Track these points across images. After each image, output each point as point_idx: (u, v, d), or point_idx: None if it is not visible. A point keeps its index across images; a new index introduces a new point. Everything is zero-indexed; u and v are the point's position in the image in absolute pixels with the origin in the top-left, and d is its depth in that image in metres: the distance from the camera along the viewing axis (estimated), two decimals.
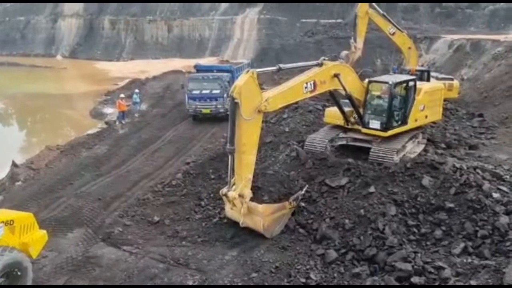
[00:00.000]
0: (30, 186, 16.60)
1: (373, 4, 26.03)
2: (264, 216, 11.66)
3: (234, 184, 11.85)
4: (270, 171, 14.36)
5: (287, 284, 10.01)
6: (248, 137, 11.30)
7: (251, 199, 11.74)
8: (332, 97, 14.55)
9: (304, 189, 12.82)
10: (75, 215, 13.83)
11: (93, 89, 41.50)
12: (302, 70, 12.93)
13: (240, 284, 10.08)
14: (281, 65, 12.13)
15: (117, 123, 26.24)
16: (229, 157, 11.56)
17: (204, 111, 24.61)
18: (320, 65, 12.81)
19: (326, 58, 13.26)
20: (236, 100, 10.83)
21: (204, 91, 24.52)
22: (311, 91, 12.58)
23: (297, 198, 12.45)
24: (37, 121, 34.80)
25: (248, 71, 11.18)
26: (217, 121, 23.76)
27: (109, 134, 23.93)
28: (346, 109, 14.80)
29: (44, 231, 10.28)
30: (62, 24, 72.42)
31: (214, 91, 24.34)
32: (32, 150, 22.91)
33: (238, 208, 11.63)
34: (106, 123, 27.40)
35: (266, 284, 10.01)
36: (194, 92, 24.69)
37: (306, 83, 12.37)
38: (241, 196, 11.45)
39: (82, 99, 38.65)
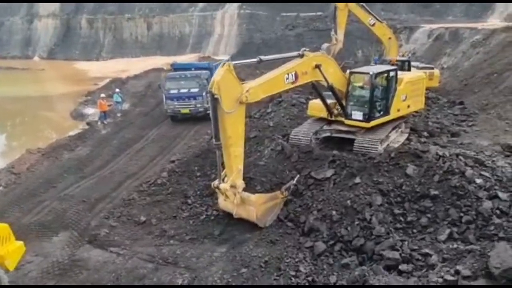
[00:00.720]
0: (12, 191, 16.27)
1: None
2: (257, 206, 11.73)
3: (225, 177, 11.87)
4: (261, 162, 14.38)
5: (277, 278, 10.02)
6: (233, 129, 11.24)
7: (244, 190, 11.78)
8: (315, 89, 14.58)
9: (296, 179, 12.90)
10: (60, 218, 13.61)
11: (73, 90, 40.86)
12: (284, 62, 12.88)
13: (230, 280, 10.06)
14: (262, 57, 12.06)
15: (99, 123, 25.88)
16: (217, 152, 11.52)
17: (183, 111, 23.90)
18: (301, 56, 12.77)
19: (307, 50, 13.23)
20: (215, 96, 10.69)
21: (182, 90, 23.83)
22: (293, 82, 12.54)
23: (289, 187, 12.55)
24: (16, 125, 34.08)
25: (224, 64, 11.03)
26: (200, 118, 23.54)
27: (91, 135, 23.61)
28: (329, 101, 14.85)
29: (21, 242, 9.80)
30: (38, 25, 71.07)
31: (193, 90, 23.63)
32: (12, 154, 22.41)
33: (231, 199, 11.65)
34: (88, 124, 27.00)
35: (256, 279, 10.01)
36: (172, 91, 23.96)
37: (287, 74, 12.34)
38: (233, 187, 11.47)
39: (62, 100, 38.00)
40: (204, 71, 24.37)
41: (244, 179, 11.93)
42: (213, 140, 11.46)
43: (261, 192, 12.71)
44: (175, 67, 26.74)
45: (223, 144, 11.27)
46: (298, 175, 13.11)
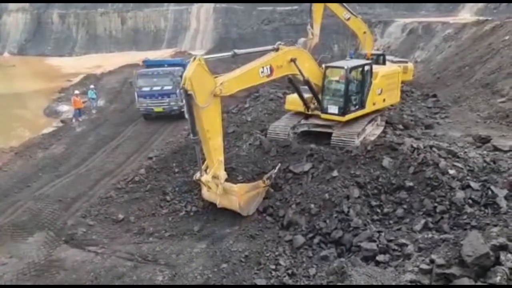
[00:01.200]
0: None
1: None
2: (239, 196, 11.86)
3: (206, 169, 11.94)
4: (243, 153, 14.43)
5: (257, 272, 10.09)
6: (210, 123, 11.25)
7: (226, 180, 11.87)
8: (291, 84, 14.66)
9: (277, 168, 13.03)
10: (35, 218, 13.31)
11: (45, 87, 39.81)
12: (260, 56, 12.89)
13: (210, 276, 10.07)
14: (236, 51, 12.07)
15: (73, 120, 25.36)
16: (196, 146, 11.54)
17: (156, 109, 22.93)
18: (276, 49, 12.83)
19: (282, 43, 13.28)
20: (189, 92, 10.63)
21: (154, 88, 22.76)
22: (268, 76, 12.58)
23: (270, 176, 12.71)
24: None
25: (194, 58, 10.94)
26: (176, 116, 23.28)
27: (66, 132, 23.11)
28: (306, 95, 14.96)
29: None
30: (8, 20, 68.79)
31: (166, 87, 22.64)
32: None
33: (214, 190, 11.76)
34: (62, 121, 26.40)
35: (237, 274, 10.06)
36: (144, 89, 22.86)
37: (262, 67, 12.38)
38: (215, 177, 11.57)
39: (34, 97, 36.99)
40: (177, 68, 23.27)
41: (225, 169, 12.05)
42: (191, 135, 11.44)
43: (243, 182, 12.81)
44: (147, 64, 25.37)
45: (201, 138, 11.29)
46: (279, 164, 13.27)
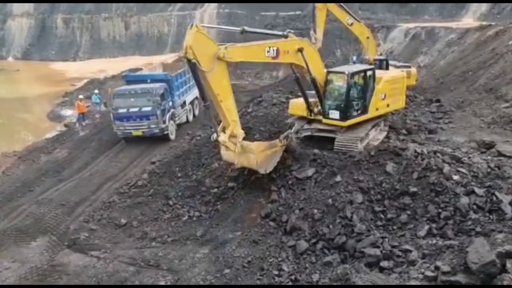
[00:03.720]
0: None
1: None
2: (257, 153, 12.12)
3: (223, 130, 12.15)
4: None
5: (260, 278, 10.03)
6: (219, 86, 11.38)
7: (244, 139, 12.06)
8: (298, 84, 14.66)
9: (294, 128, 13.08)
10: (38, 223, 13.33)
11: (49, 91, 40.01)
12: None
13: (213, 281, 10.03)
14: (246, 28, 12.27)
15: (77, 125, 25.42)
16: (209, 110, 11.71)
17: (134, 133, 20.29)
18: (285, 37, 13.02)
19: (292, 31, 13.40)
20: (192, 60, 10.75)
21: (132, 109, 20.05)
22: (273, 57, 12.66)
23: (287, 136, 12.87)
24: None
25: (191, 26, 10.93)
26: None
27: (69, 137, 23.17)
28: (311, 99, 14.92)
29: None
30: (12, 24, 69.20)
31: (144, 109, 19.96)
32: None
33: (232, 149, 11.96)
34: (66, 125, 26.49)
35: (239, 279, 10.01)
36: (121, 110, 20.11)
37: (269, 47, 12.48)
38: (233, 136, 11.79)
39: (38, 101, 37.20)
40: (158, 85, 20.88)
41: (243, 128, 12.26)
42: (202, 102, 11.67)
43: (260, 140, 12.93)
44: (128, 79, 22.75)
45: (214, 103, 11.47)
46: (296, 124, 13.34)
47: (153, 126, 20.11)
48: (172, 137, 20.82)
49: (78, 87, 38.65)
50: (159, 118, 19.98)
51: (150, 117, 20.08)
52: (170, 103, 21.53)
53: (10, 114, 33.96)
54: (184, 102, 23.60)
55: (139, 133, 20.29)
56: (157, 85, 20.78)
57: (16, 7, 69.58)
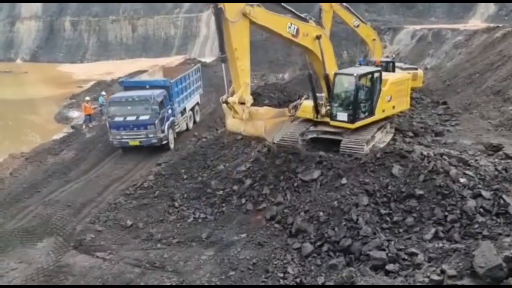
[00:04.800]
0: None
1: None
2: (265, 119, 12.04)
3: (233, 93, 12.02)
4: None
5: (265, 280, 10.02)
6: (238, 41, 11.40)
7: (252, 105, 11.98)
8: (310, 81, 14.61)
9: (303, 98, 13.02)
10: (44, 224, 13.40)
11: (57, 93, 40.33)
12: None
13: (218, 283, 10.03)
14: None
15: (83, 126, 25.55)
16: (223, 65, 11.70)
17: (131, 142, 19.11)
18: (306, 21, 13.35)
19: (313, 19, 13.82)
20: (219, 6, 10.86)
21: (129, 118, 18.92)
22: (293, 35, 12.88)
23: (296, 106, 12.75)
24: None
25: None
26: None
27: (76, 138, 23.29)
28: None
29: None
30: (21, 27, 69.93)
31: (142, 117, 18.82)
32: None
33: (240, 114, 11.84)
34: (72, 127, 26.66)
35: (244, 281, 10.00)
36: (117, 119, 19.01)
37: (291, 24, 12.78)
38: (242, 103, 11.68)
39: (46, 103, 37.47)
40: (157, 92, 19.67)
41: (252, 94, 12.13)
42: (219, 53, 11.65)
43: (269, 106, 12.77)
44: (125, 85, 21.68)
45: (229, 58, 11.45)
46: (305, 95, 13.31)
47: (151, 135, 19.02)
48: (172, 146, 19.92)
49: (85, 89, 38.90)
50: (157, 127, 18.89)
51: (148, 126, 18.95)
52: (170, 111, 20.34)
53: (18, 115, 34.28)
54: (184, 109, 22.35)
55: (136, 142, 19.15)
56: (156, 92, 19.61)
57: (25, 10, 70.30)
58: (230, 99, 11.81)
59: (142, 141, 19.08)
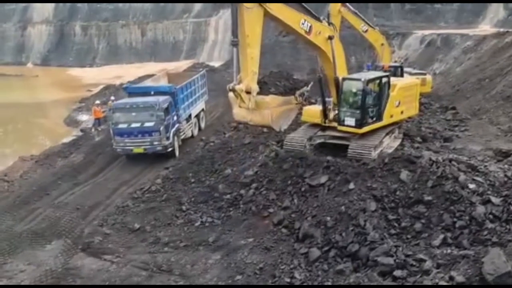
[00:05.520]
0: (4, 199, 16.12)
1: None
2: (272, 107, 12.11)
3: (240, 81, 12.03)
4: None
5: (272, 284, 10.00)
6: (251, 29, 11.48)
7: (258, 94, 12.00)
8: (320, 85, 14.60)
9: (310, 85, 13.02)
10: (53, 226, 13.52)
11: (66, 97, 40.80)
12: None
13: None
14: None
15: (93, 130, 25.77)
16: (234, 50, 11.75)
17: (135, 150, 18.65)
18: (320, 21, 13.49)
19: (326, 19, 13.92)
20: None
21: (133, 125, 18.45)
22: (306, 32, 12.98)
23: (302, 94, 12.80)
24: (9, 132, 33.84)
25: None
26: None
27: (85, 141, 23.47)
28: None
29: None
30: (32, 31, 70.97)
31: (147, 124, 18.34)
32: (5, 162, 22.24)
33: (246, 102, 11.84)
34: (82, 130, 26.89)
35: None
36: (121, 126, 18.56)
37: (305, 20, 12.86)
38: (248, 92, 11.68)
39: (55, 107, 37.89)
40: (162, 98, 19.14)
41: (257, 83, 12.12)
42: (232, 36, 11.69)
43: (275, 94, 12.72)
44: (129, 91, 21.05)
45: (241, 44, 11.51)
46: (311, 83, 13.29)
47: (156, 143, 18.54)
48: (177, 153, 19.45)
49: (94, 93, 39.28)
50: (162, 134, 18.41)
51: (153, 133, 18.47)
52: (175, 118, 19.78)
53: (28, 119, 34.69)
54: (190, 116, 21.79)
55: (140, 150, 18.67)
56: (161, 98, 19.09)
57: (37, 15, 71.36)
58: (237, 87, 11.79)
59: (147, 149, 18.65)
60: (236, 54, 11.73)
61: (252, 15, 11.41)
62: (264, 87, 12.87)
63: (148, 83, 23.24)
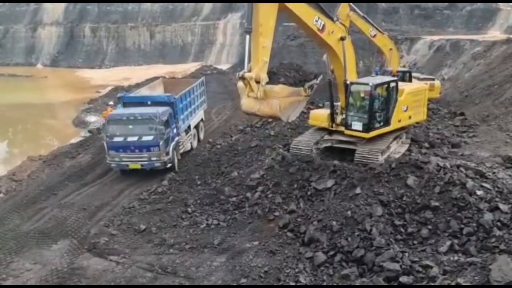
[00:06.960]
0: (12, 198, 16.25)
1: (354, 6, 26.30)
2: (280, 97, 11.99)
3: (250, 70, 11.89)
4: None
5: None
6: (265, 19, 11.44)
7: (267, 84, 11.89)
8: (330, 88, 14.60)
9: (319, 78, 12.97)
10: (60, 226, 13.59)
11: (75, 98, 41.07)
12: None
13: None
14: None
15: (101, 131, 25.91)
16: (247, 38, 11.63)
17: (132, 166, 16.93)
18: (333, 21, 13.52)
19: (339, 20, 13.84)
20: None
21: (130, 138, 16.77)
22: (319, 29, 12.93)
23: (311, 86, 12.71)
24: (18, 132, 34.21)
25: None
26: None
27: (93, 142, 23.58)
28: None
29: None
30: (42, 33, 71.61)
31: (145, 138, 16.64)
32: (13, 161, 22.48)
33: (255, 91, 11.71)
34: (89, 131, 27.04)
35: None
36: (116, 139, 16.85)
37: (318, 18, 12.84)
38: (257, 81, 11.59)
39: (64, 108, 38.18)
40: (161, 109, 17.31)
41: (267, 73, 12.02)
42: (246, 24, 11.62)
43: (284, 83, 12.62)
44: (125, 100, 18.95)
45: (253, 32, 11.45)
46: (321, 75, 13.21)
47: (154, 158, 16.80)
48: (176, 168, 17.66)
49: (102, 94, 39.55)
50: (162, 149, 16.71)
51: (151, 148, 16.75)
52: (174, 130, 17.98)
53: (37, 119, 35.00)
54: (189, 127, 19.95)
55: (137, 166, 16.98)
56: (161, 110, 17.22)
57: (47, 16, 72.05)
58: (247, 74, 11.63)
59: (144, 165, 16.92)
60: (249, 42, 11.66)
61: (267, 5, 11.41)
62: (273, 77, 12.75)
63: (143, 91, 21.61)
